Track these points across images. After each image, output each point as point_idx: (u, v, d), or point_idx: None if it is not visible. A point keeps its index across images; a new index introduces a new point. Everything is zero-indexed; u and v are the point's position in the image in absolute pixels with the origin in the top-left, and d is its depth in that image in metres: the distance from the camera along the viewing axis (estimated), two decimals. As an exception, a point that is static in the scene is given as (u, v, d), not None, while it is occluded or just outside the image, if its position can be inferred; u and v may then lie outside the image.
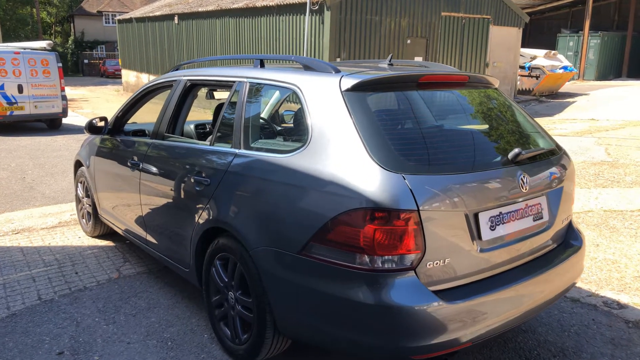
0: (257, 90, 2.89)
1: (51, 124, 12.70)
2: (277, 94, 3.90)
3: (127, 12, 30.70)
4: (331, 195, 2.16)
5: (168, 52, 19.26)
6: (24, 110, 11.74)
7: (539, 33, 29.29)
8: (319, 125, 2.36)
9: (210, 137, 3.10)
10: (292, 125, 4.13)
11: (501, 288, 2.26)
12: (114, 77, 34.39)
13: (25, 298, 3.59)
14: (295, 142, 2.53)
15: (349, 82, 2.37)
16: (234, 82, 3.01)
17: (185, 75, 3.50)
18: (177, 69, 3.83)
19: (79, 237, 4.86)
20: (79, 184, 4.91)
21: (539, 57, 18.32)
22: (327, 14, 11.93)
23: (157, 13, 19.54)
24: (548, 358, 2.86)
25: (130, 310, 3.41)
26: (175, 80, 3.57)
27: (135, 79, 22.73)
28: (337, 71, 2.51)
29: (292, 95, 2.70)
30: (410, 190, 2.05)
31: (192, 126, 4.34)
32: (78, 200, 4.99)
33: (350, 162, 2.16)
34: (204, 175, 2.89)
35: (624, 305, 3.47)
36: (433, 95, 2.73)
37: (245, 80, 2.93)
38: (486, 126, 2.66)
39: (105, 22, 41.59)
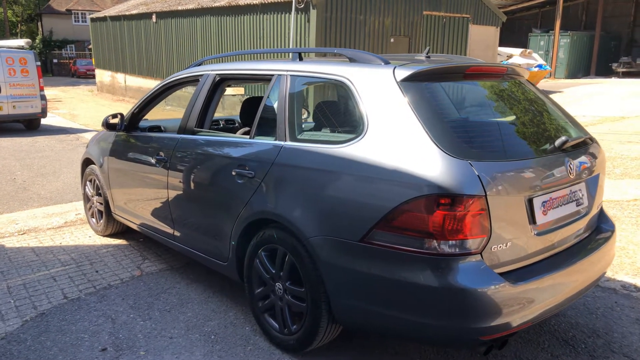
0: (299, 83, 2.92)
1: (29, 125, 12.34)
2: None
3: (97, 11, 30.05)
4: (396, 184, 2.21)
5: (145, 52, 18.95)
6: (2, 110, 11.38)
7: (510, 33, 29.98)
8: (375, 116, 2.40)
9: (249, 130, 3.11)
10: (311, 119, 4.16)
11: (556, 270, 2.36)
12: (86, 77, 33.56)
13: (50, 297, 3.52)
14: (347, 134, 2.56)
15: (403, 73, 2.42)
16: (272, 75, 3.03)
17: (213, 69, 3.49)
18: (199, 64, 3.82)
19: (89, 236, 4.78)
20: (87, 182, 4.82)
21: (515, 55, 18.80)
22: (313, 13, 11.97)
23: (134, 11, 19.20)
24: (583, 339, 2.98)
25: (163, 306, 3.39)
26: (201, 75, 3.56)
27: (110, 79, 22.28)
28: (387, 62, 2.56)
29: (337, 88, 2.74)
30: (478, 176, 2.11)
31: None
32: (87, 199, 4.90)
33: (414, 150, 2.21)
34: (247, 168, 2.90)
35: (641, 288, 3.63)
36: (475, 86, 2.82)
37: (285, 73, 2.95)
38: (528, 115, 2.75)
39: (75, 21, 40.56)
